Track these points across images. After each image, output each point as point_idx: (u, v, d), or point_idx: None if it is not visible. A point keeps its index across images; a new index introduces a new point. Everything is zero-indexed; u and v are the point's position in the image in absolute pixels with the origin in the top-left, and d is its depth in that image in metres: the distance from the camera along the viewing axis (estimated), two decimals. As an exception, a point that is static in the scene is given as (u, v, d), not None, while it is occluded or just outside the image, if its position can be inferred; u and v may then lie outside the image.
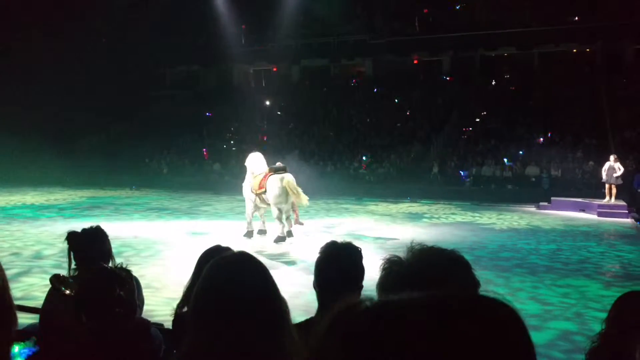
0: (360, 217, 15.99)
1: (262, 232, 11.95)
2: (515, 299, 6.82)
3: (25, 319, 3.15)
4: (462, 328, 0.59)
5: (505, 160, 22.16)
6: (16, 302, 1.75)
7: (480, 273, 1.31)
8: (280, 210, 11.00)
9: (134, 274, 2.58)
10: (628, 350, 2.03)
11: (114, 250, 3.18)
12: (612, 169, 16.87)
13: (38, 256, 10.01)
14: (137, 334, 2.23)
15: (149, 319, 2.72)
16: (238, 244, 9.86)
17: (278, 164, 11.53)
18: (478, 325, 0.59)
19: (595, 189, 18.28)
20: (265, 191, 10.94)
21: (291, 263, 9.65)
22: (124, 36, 31.82)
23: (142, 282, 3.30)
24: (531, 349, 0.62)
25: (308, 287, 2.31)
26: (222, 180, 23.54)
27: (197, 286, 1.53)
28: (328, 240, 2.28)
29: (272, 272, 1.58)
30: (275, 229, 11.49)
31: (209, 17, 31.35)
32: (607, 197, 17.15)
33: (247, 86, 35.61)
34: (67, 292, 2.69)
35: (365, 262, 2.19)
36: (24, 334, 2.32)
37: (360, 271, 2.17)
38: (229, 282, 1.46)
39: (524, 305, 6.86)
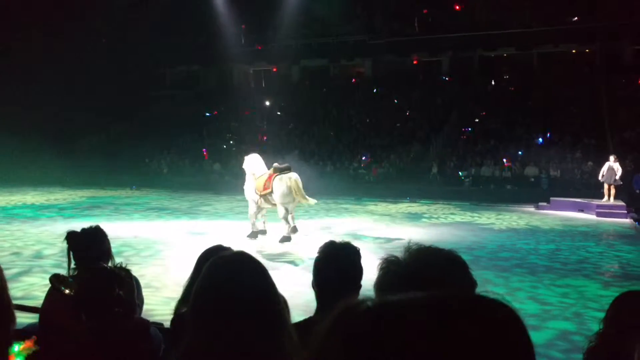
0: (359, 217, 16.00)
1: (262, 232, 11.96)
2: (514, 298, 6.83)
3: (25, 319, 3.16)
4: (462, 328, 0.59)
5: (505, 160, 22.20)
6: (16, 302, 1.76)
7: (479, 273, 1.31)
8: (287, 210, 11.02)
9: (134, 273, 2.59)
10: (626, 349, 2.03)
11: (113, 250, 3.19)
12: (612, 170, 16.88)
13: (38, 256, 10.01)
14: (137, 334, 2.23)
15: (149, 318, 2.72)
16: (239, 244, 9.85)
17: (276, 164, 11.50)
18: (478, 326, 0.60)
19: (594, 189, 18.27)
20: (272, 192, 10.93)
21: (291, 263, 9.65)
22: (124, 36, 31.80)
23: (142, 282, 3.30)
24: (530, 349, 0.63)
25: (308, 287, 2.31)
26: (222, 180, 23.52)
27: (196, 285, 1.53)
28: (327, 240, 2.28)
29: (272, 272, 1.59)
30: (276, 229, 11.50)
31: (208, 17, 31.30)
32: (606, 197, 17.17)
33: (247, 86, 35.61)
34: (67, 291, 2.70)
35: (364, 262, 2.19)
36: (24, 334, 2.32)
37: (358, 271, 2.18)
38: (228, 281, 1.47)
39: (523, 305, 6.87)
